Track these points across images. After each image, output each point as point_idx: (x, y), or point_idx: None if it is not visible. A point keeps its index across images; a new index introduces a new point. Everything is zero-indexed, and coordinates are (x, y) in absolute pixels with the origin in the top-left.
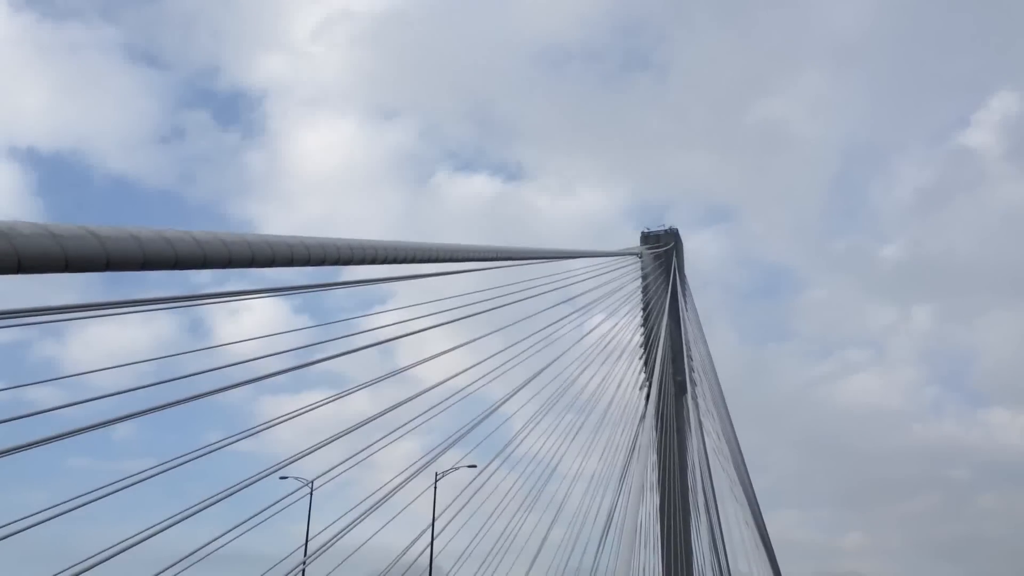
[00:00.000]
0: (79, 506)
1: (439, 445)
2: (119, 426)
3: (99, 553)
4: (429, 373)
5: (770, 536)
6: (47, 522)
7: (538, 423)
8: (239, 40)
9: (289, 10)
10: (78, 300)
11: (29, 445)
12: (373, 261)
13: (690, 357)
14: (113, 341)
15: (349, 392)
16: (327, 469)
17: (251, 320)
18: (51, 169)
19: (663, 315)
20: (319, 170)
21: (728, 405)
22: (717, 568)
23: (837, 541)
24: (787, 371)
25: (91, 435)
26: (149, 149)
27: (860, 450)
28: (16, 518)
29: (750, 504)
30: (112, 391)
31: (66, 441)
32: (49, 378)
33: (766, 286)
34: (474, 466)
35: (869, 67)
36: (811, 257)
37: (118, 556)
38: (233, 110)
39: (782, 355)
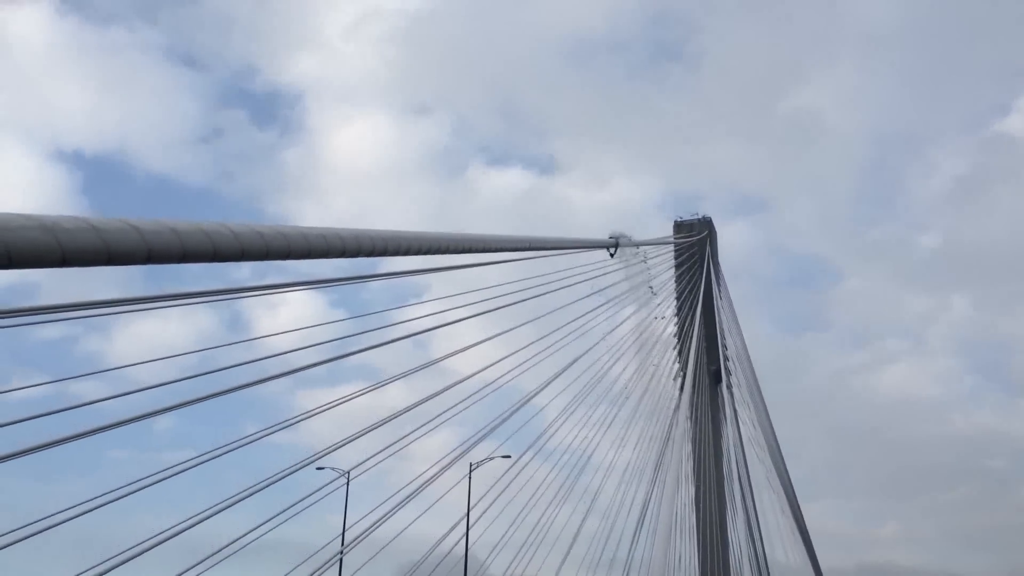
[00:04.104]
0: (121, 497)
1: (473, 436)
2: (160, 418)
3: (141, 543)
4: (463, 365)
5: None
6: (90, 512)
7: (571, 414)
8: (274, 40)
9: (322, 10)
10: (120, 296)
11: (73, 437)
12: (407, 252)
13: (724, 346)
14: (154, 335)
15: (383, 384)
16: (363, 460)
17: (288, 313)
18: (96, 170)
19: (697, 304)
20: (353, 166)
21: (763, 395)
22: (754, 558)
23: (873, 531)
24: (823, 361)
25: (133, 427)
26: (189, 148)
27: (896, 440)
28: (61, 508)
29: (787, 493)
30: (153, 384)
31: (109, 433)
32: (93, 371)
33: (801, 276)
34: (508, 456)
35: (903, 54)
36: (846, 246)
37: (159, 546)
38: (270, 109)
39: (818, 345)
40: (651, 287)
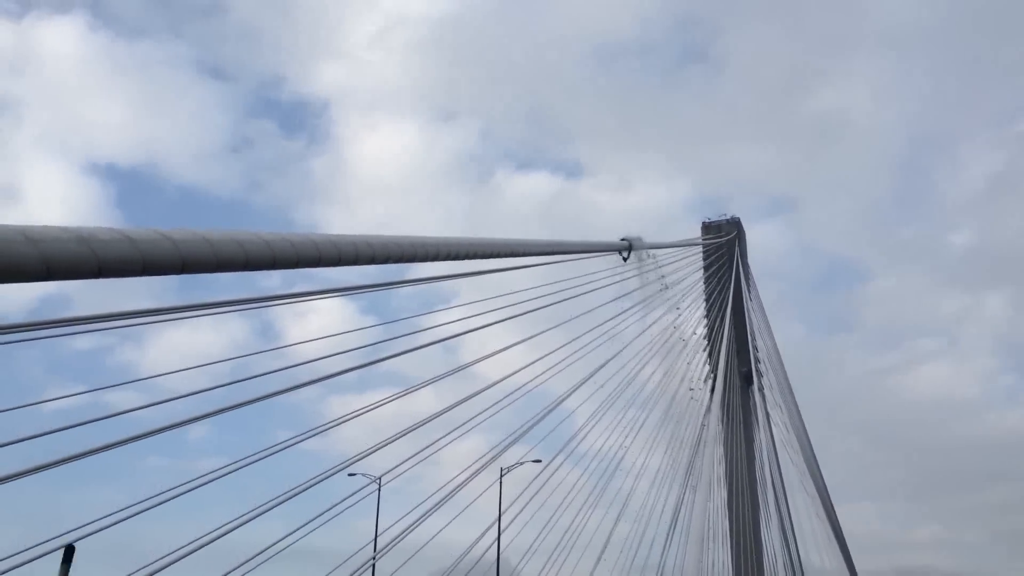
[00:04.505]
0: (156, 505)
1: (503, 441)
2: (193, 426)
3: (175, 550)
4: (492, 370)
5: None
6: (126, 520)
7: (601, 418)
8: (301, 50)
9: (347, 19)
10: (153, 306)
11: (109, 446)
12: (436, 258)
13: (755, 348)
14: (187, 344)
15: (413, 390)
16: (394, 466)
17: (318, 321)
18: (128, 182)
19: (727, 306)
20: (380, 173)
21: (795, 396)
22: (789, 562)
23: (910, 534)
24: (855, 362)
25: (167, 435)
26: (219, 159)
27: (932, 441)
28: (97, 516)
29: (821, 497)
30: (186, 392)
31: (143, 441)
32: (127, 381)
33: (831, 277)
34: (539, 461)
35: (932, 51)
36: (877, 246)
37: (194, 553)
38: (297, 118)
39: (849, 346)
40: (665, 285)
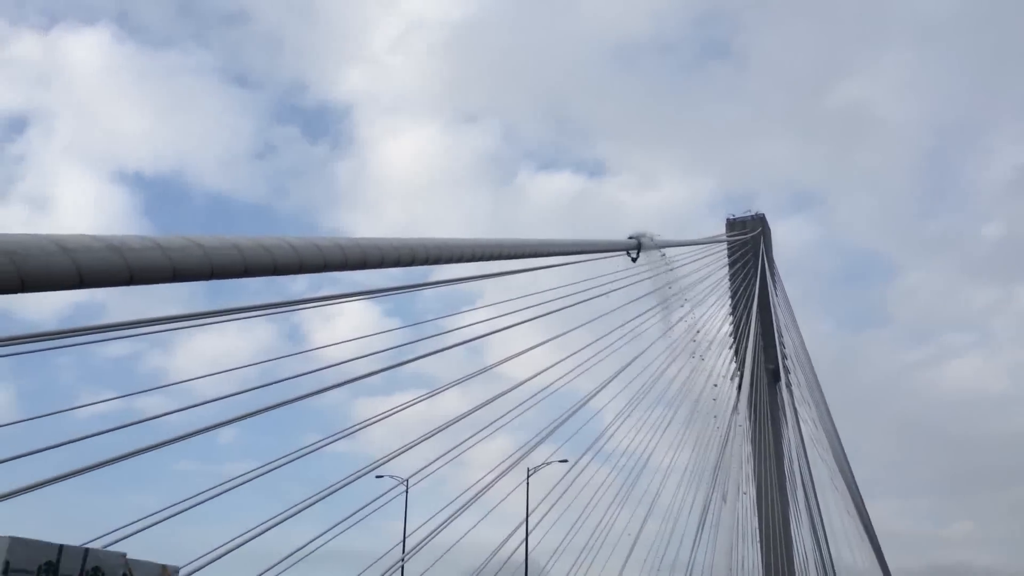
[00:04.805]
0: (187, 508)
1: (529, 441)
2: (222, 430)
3: (206, 553)
4: (518, 370)
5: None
6: (159, 524)
7: (627, 417)
8: (322, 56)
9: (367, 24)
10: (182, 312)
11: (140, 451)
12: (460, 259)
13: (782, 345)
14: (215, 349)
15: (438, 391)
16: (421, 467)
17: (344, 324)
18: (156, 190)
19: (752, 302)
20: (404, 176)
21: (823, 393)
22: (819, 560)
23: (944, 531)
24: (883, 357)
25: (196, 439)
26: (244, 166)
27: (964, 436)
28: (131, 520)
29: (851, 494)
30: (215, 397)
31: (173, 446)
32: (157, 386)
33: (858, 271)
34: (565, 461)
35: (958, 43)
36: (905, 240)
37: (225, 556)
38: (320, 124)
39: (878, 341)
40: (667, 287)
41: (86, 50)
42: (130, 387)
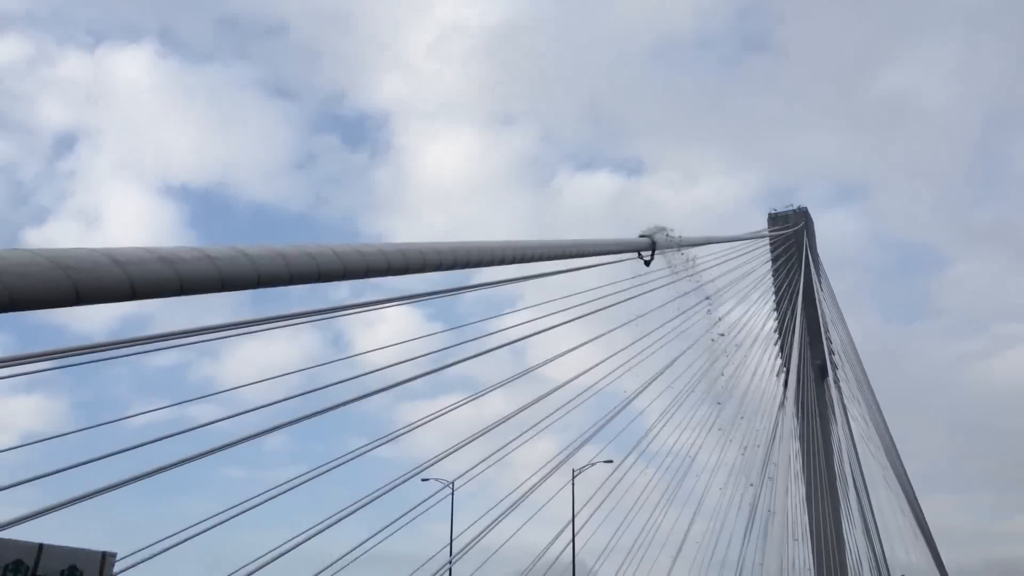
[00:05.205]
0: (237, 514)
1: (574, 442)
2: (270, 436)
3: (257, 558)
4: (560, 371)
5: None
6: (210, 530)
7: (672, 416)
8: (360, 65)
9: (403, 31)
10: (229, 320)
11: (190, 458)
12: (502, 262)
13: (829, 340)
14: (262, 357)
15: (482, 394)
16: (466, 470)
17: (387, 330)
18: (201, 202)
19: (797, 298)
20: (442, 181)
21: (873, 388)
22: (872, 557)
23: (1002, 525)
24: (934, 350)
25: (244, 446)
26: (286, 175)
27: (1018, 429)
28: (183, 527)
29: (904, 491)
30: (262, 404)
31: (222, 453)
32: (207, 394)
33: (906, 263)
34: (610, 461)
35: (1003, 26)
36: (954, 230)
37: (276, 560)
38: (359, 132)
39: (928, 334)
40: (694, 289)
41: (131, 67)
42: (181, 395)
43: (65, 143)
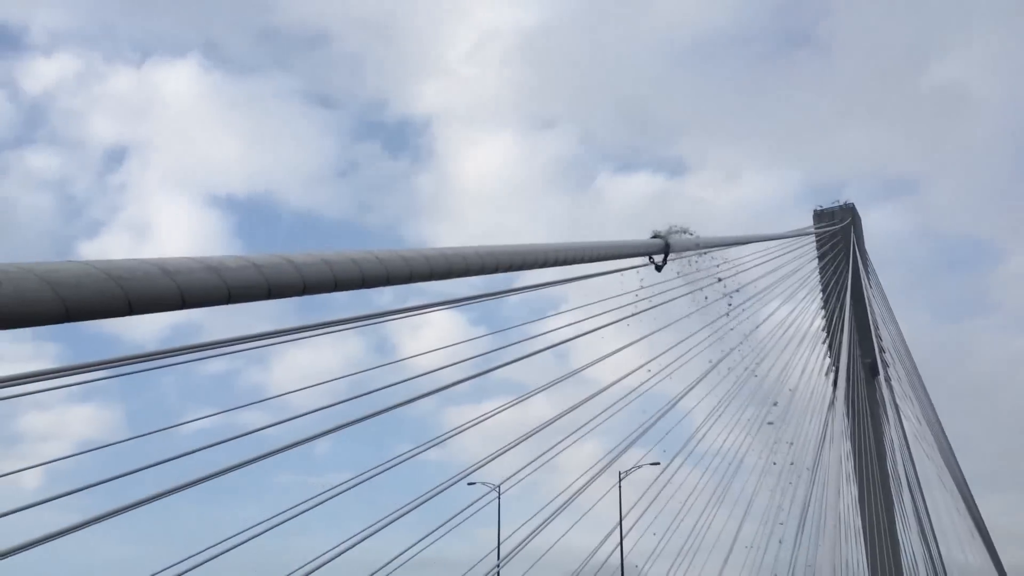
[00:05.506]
0: (289, 519)
1: (620, 444)
2: (318, 442)
3: (307, 563)
4: (605, 373)
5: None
6: (261, 535)
7: (719, 417)
8: (400, 72)
9: (442, 38)
10: (276, 327)
11: (242, 464)
12: (544, 264)
13: (879, 338)
14: (308, 362)
15: (526, 397)
16: (512, 473)
17: (431, 334)
18: (247, 212)
19: (845, 295)
20: (484, 185)
21: (926, 387)
22: (928, 559)
23: None
24: (989, 346)
25: (294, 452)
26: (329, 184)
27: None
28: (235, 532)
29: (960, 491)
30: (310, 409)
31: (273, 459)
32: (255, 401)
33: (958, 259)
34: (657, 463)
35: None
36: (1008, 223)
37: (325, 565)
38: (400, 138)
39: (982, 330)
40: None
41: (177, 81)
42: (230, 402)
43: (115, 157)
